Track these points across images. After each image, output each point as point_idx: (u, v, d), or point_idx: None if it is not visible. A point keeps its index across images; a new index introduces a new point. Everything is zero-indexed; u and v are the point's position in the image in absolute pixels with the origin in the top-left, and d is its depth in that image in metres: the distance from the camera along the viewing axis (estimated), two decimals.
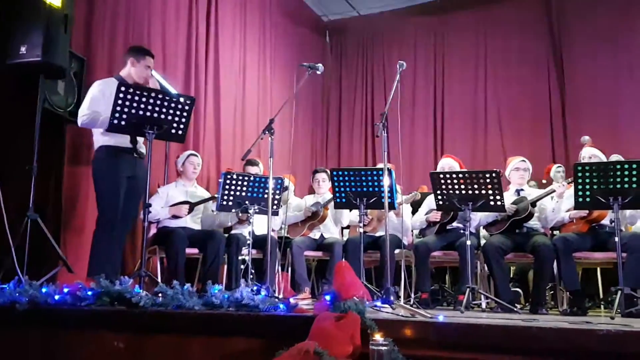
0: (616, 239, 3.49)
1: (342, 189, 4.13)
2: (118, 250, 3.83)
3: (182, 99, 3.55)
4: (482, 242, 4.50)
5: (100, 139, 3.80)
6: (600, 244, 4.05)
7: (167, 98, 3.49)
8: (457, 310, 3.68)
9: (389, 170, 3.79)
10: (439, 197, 3.99)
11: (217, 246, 4.41)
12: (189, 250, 4.43)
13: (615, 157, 4.92)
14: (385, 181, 3.62)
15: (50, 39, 3.66)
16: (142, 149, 3.88)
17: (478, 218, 4.48)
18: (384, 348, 2.00)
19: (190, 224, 4.62)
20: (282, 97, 6.83)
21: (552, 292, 4.84)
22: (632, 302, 3.56)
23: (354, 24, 8.42)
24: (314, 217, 5.09)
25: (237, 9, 6.53)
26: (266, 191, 4.07)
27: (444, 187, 3.94)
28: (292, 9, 7.72)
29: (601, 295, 4.60)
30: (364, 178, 4.06)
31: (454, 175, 3.92)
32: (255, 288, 2.81)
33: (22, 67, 3.70)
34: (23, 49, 3.66)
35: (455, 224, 4.55)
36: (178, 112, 3.53)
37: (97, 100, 3.74)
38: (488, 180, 3.82)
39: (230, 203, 4.19)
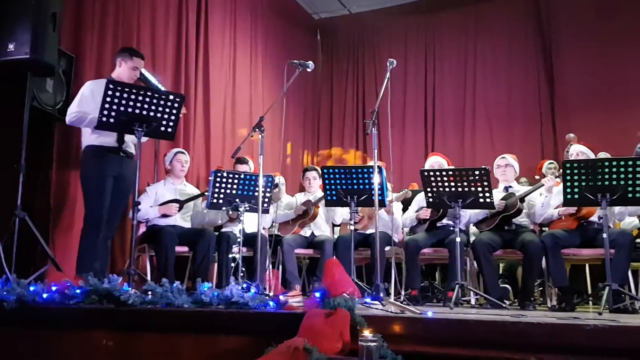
0: (604, 235, 3.52)
1: (333, 187, 4.13)
2: (105, 249, 3.82)
3: (171, 97, 3.53)
4: (472, 239, 4.52)
5: (87, 138, 3.81)
6: (589, 240, 4.08)
7: (156, 95, 3.48)
8: (446, 307, 3.69)
9: (380, 168, 3.79)
10: (429, 194, 4.01)
11: (208, 244, 4.40)
12: (179, 249, 4.42)
13: (603, 155, 4.96)
14: (376, 179, 3.63)
15: (38, 37, 3.64)
16: (130, 148, 3.88)
17: (468, 215, 4.50)
18: (373, 344, 2.00)
19: (180, 222, 4.60)
20: (273, 96, 6.83)
21: (540, 288, 4.88)
22: (619, 298, 3.60)
23: (345, 22, 8.42)
24: (304, 215, 5.09)
25: (227, 7, 6.51)
26: (256, 189, 4.07)
27: (434, 184, 3.96)
28: (282, 7, 7.71)
29: (589, 291, 4.64)
30: (354, 176, 4.06)
31: (444, 173, 3.95)
32: (245, 286, 2.81)
33: (10, 65, 3.68)
34: (11, 46, 3.63)
35: (445, 221, 4.57)
36: (167, 110, 3.52)
37: (87, 100, 3.75)
38: (477, 178, 3.85)
39: (220, 201, 4.18)
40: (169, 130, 3.58)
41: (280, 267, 4.83)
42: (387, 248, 4.61)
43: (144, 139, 3.64)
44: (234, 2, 6.62)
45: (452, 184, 3.90)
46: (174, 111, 3.54)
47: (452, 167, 4.57)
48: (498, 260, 4.87)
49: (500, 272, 5.30)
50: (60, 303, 2.76)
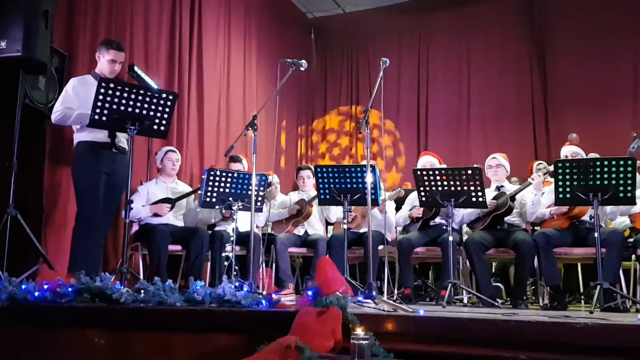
0: (595, 234, 3.54)
1: (326, 186, 4.14)
2: (98, 247, 3.80)
3: (164, 95, 3.52)
4: (465, 237, 4.54)
5: (78, 135, 3.78)
6: (581, 239, 4.10)
7: (149, 93, 3.46)
8: (439, 305, 3.71)
9: (372, 167, 3.80)
10: (422, 193, 4.02)
11: (201, 243, 4.39)
12: (172, 247, 4.42)
13: (592, 155, 4.98)
14: (369, 178, 3.64)
15: (30, 34, 3.62)
16: (123, 143, 3.84)
17: (461, 214, 4.52)
18: (364, 342, 2.01)
19: (172, 220, 4.59)
20: (267, 94, 6.83)
21: (532, 287, 4.90)
22: (611, 297, 3.62)
23: (339, 21, 8.43)
24: (298, 214, 5.09)
25: (221, 5, 6.50)
26: (250, 188, 4.06)
27: (426, 183, 3.97)
28: (276, 6, 7.71)
29: (582, 290, 4.67)
30: (347, 175, 4.07)
31: (437, 172, 3.96)
32: (237, 284, 2.81)
33: (2, 62, 3.66)
34: (3, 44, 3.61)
35: (438, 220, 4.59)
36: (160, 108, 3.50)
37: (70, 97, 3.72)
38: (470, 177, 3.86)
39: (213, 200, 4.18)
40: (162, 128, 3.57)
41: (274, 265, 4.83)
42: (380, 247, 4.61)
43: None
44: (228, 0, 6.61)
45: (445, 183, 3.92)
46: (167, 109, 3.53)
47: (445, 167, 4.59)
48: (490, 259, 4.89)
49: (493, 271, 5.32)
50: (52, 301, 2.75)
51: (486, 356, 2.08)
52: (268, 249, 4.83)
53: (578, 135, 5.80)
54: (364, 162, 3.91)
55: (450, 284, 3.77)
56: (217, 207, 4.26)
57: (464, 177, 3.87)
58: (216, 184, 4.16)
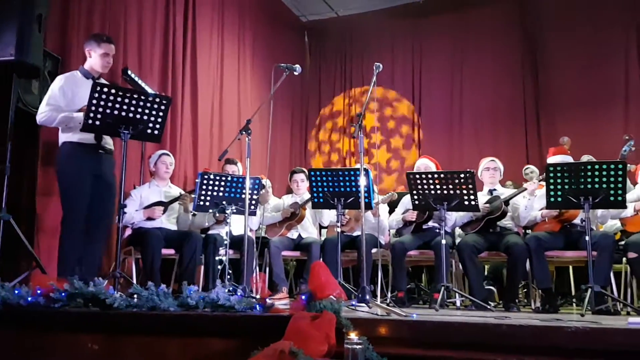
0: (587, 238, 3.57)
1: (320, 189, 4.15)
2: (93, 252, 3.73)
3: (158, 99, 3.52)
4: (458, 241, 4.56)
5: (63, 135, 3.68)
6: (572, 242, 4.13)
7: (142, 98, 3.45)
8: (432, 309, 3.73)
9: (366, 170, 3.82)
10: (415, 197, 4.05)
11: (194, 247, 4.39)
12: (165, 251, 4.41)
13: (586, 158, 5.03)
14: (362, 181, 3.65)
15: (24, 38, 3.62)
16: (108, 144, 3.77)
17: (454, 218, 4.54)
18: (358, 346, 2.02)
19: (166, 224, 4.59)
20: (261, 98, 6.84)
21: (525, 290, 4.93)
22: (602, 300, 3.65)
23: (333, 25, 8.46)
24: (292, 218, 5.10)
25: (215, 9, 6.51)
26: (243, 191, 4.07)
27: (419, 187, 4.00)
28: (270, 9, 7.72)
29: (573, 293, 4.70)
30: (341, 178, 4.09)
31: (430, 176, 3.98)
32: (231, 288, 2.81)
33: None
34: None
35: (431, 224, 4.61)
36: (154, 112, 3.49)
37: (56, 97, 3.63)
38: (462, 181, 3.89)
39: (207, 203, 4.18)
40: (156, 132, 3.55)
41: (267, 269, 4.83)
42: (374, 250, 4.63)
43: None
44: (222, 3, 6.62)
45: (438, 186, 3.94)
46: (161, 113, 3.52)
47: (438, 170, 4.61)
48: (483, 262, 4.92)
49: (485, 274, 5.35)
50: (45, 306, 2.74)
51: None
52: (262, 252, 4.83)
53: (570, 139, 5.85)
54: (357, 166, 3.93)
55: (443, 287, 3.79)
56: (210, 210, 4.26)
57: (457, 180, 3.89)
58: (210, 187, 4.16)
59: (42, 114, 3.62)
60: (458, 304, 4.29)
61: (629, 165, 4.29)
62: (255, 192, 4.32)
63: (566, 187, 3.61)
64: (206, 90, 6.23)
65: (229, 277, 4.03)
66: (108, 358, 2.53)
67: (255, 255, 4.60)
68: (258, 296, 3.30)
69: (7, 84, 3.72)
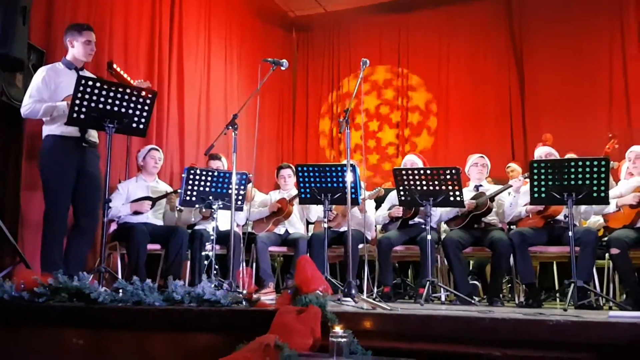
0: (570, 233, 3.62)
1: (307, 185, 4.16)
2: (80, 247, 3.70)
3: (143, 93, 3.49)
4: (443, 236, 4.59)
5: (46, 128, 3.65)
6: (555, 238, 4.18)
7: (127, 91, 3.43)
8: (417, 303, 3.75)
9: (353, 166, 3.83)
10: (401, 192, 4.07)
11: (180, 242, 4.37)
12: (151, 246, 4.39)
13: (570, 155, 5.08)
14: (349, 177, 3.67)
15: (8, 31, 3.57)
16: (93, 137, 3.74)
17: (439, 213, 4.57)
18: (343, 340, 2.03)
19: (152, 219, 4.57)
20: (249, 92, 6.81)
21: (509, 285, 4.98)
22: (584, 295, 3.71)
23: (320, 20, 8.45)
24: (279, 213, 5.10)
25: (202, 3, 6.48)
26: (230, 186, 4.06)
27: (406, 183, 4.02)
28: (258, 4, 7.70)
29: (557, 288, 4.76)
30: (328, 174, 4.10)
31: (416, 172, 4.01)
32: (217, 283, 2.81)
33: None
34: None
35: (416, 219, 4.63)
36: (139, 106, 3.48)
37: (40, 88, 3.61)
38: (448, 177, 3.92)
39: (193, 199, 4.17)
40: (141, 127, 3.53)
41: (254, 265, 4.84)
42: (360, 246, 4.65)
43: None
44: None
45: (424, 182, 3.97)
46: (146, 107, 3.50)
47: (424, 166, 4.64)
48: (468, 258, 4.96)
49: (470, 269, 5.39)
50: (29, 301, 2.72)
51: (461, 353, 2.12)
52: (248, 248, 4.83)
53: (553, 135, 5.90)
54: (344, 162, 3.94)
55: (428, 282, 3.82)
56: (196, 206, 4.24)
57: (443, 177, 3.92)
58: (196, 183, 4.15)
59: (26, 106, 3.60)
60: (443, 298, 4.33)
61: (612, 162, 4.35)
62: (242, 187, 4.31)
63: (550, 183, 3.65)
64: (193, 85, 6.20)
65: (215, 272, 4.02)
66: (93, 353, 2.52)
67: (242, 250, 4.60)
68: (244, 291, 3.30)
69: None
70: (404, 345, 2.21)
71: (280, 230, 5.10)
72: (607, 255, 4.13)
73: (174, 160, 5.84)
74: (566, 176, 3.61)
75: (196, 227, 4.83)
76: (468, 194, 4.42)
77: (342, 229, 4.92)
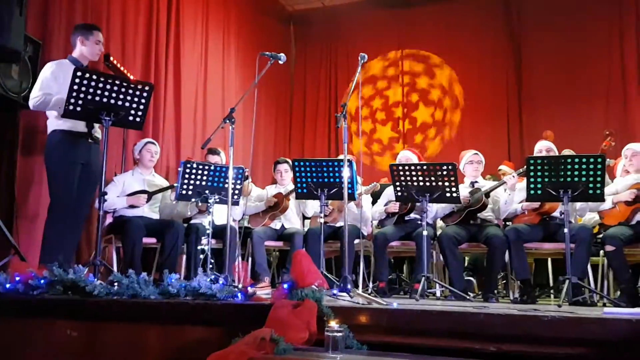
0: (565, 230, 3.62)
1: (304, 180, 4.15)
2: (73, 239, 3.75)
3: (140, 86, 3.49)
4: (439, 232, 4.60)
5: (54, 122, 3.70)
6: (551, 235, 4.19)
7: (124, 84, 3.43)
8: (412, 298, 3.76)
9: (350, 162, 3.83)
10: (398, 188, 4.07)
11: (176, 236, 4.37)
12: (146, 240, 4.38)
13: (566, 152, 5.09)
14: (345, 172, 3.66)
15: (4, 22, 3.55)
16: (97, 133, 3.80)
17: (435, 209, 4.58)
18: (339, 334, 2.04)
19: (147, 213, 4.56)
20: (246, 86, 6.81)
21: (504, 281, 5.00)
22: (579, 291, 3.72)
23: (319, 14, 8.43)
24: (275, 208, 5.10)
25: None
26: (226, 181, 4.05)
27: (402, 179, 4.02)
28: None
29: (551, 284, 4.78)
30: (325, 169, 4.09)
31: (412, 168, 4.01)
32: (213, 277, 2.81)
33: None
34: None
35: (412, 215, 4.64)
36: (136, 99, 3.47)
37: (49, 82, 3.65)
38: (445, 173, 3.92)
39: (189, 192, 4.16)
40: (137, 119, 3.54)
41: (250, 259, 4.84)
42: (357, 241, 4.66)
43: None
44: None
45: (420, 178, 3.97)
46: (143, 100, 3.50)
47: (420, 162, 4.64)
48: (463, 254, 4.97)
49: (465, 265, 5.41)
50: (24, 293, 2.72)
51: (456, 348, 2.13)
52: (244, 242, 4.83)
53: (553, 132, 5.91)
54: (341, 157, 3.94)
55: (423, 278, 3.83)
56: (193, 200, 4.24)
57: (439, 173, 3.92)
58: (192, 176, 4.14)
59: (36, 98, 3.63)
60: (438, 294, 4.34)
61: (608, 159, 4.35)
62: (238, 181, 4.30)
63: (546, 180, 3.65)
64: (190, 79, 6.18)
65: (211, 266, 4.02)
66: (87, 345, 2.52)
67: (238, 244, 4.60)
68: (240, 285, 3.31)
69: None
70: (399, 339, 2.22)
71: (276, 224, 5.10)
72: (601, 252, 4.14)
73: (171, 154, 5.82)
74: (562, 173, 3.61)
75: (192, 221, 4.82)
76: (464, 190, 4.43)
77: (338, 224, 4.92)
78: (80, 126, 3.63)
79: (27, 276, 2.77)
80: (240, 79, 7.11)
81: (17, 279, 2.78)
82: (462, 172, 4.67)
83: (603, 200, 3.75)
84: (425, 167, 3.99)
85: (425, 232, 3.98)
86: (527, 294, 4.00)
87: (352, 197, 4.08)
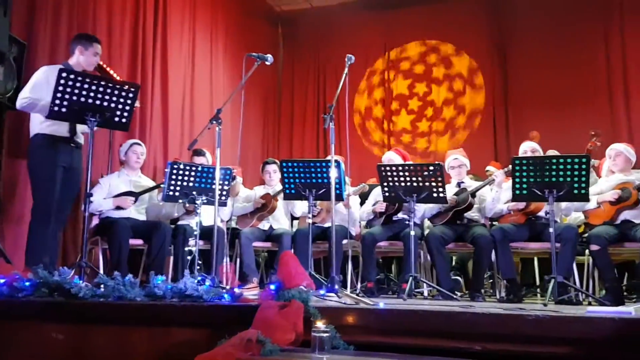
0: (551, 230, 3.66)
1: (292, 180, 4.15)
2: (55, 241, 3.74)
3: (126, 86, 3.47)
4: (426, 232, 4.62)
5: (37, 126, 3.70)
6: (536, 234, 4.23)
7: (110, 85, 3.41)
8: (400, 298, 3.78)
9: (338, 162, 3.84)
10: (385, 188, 4.09)
11: (163, 237, 4.35)
12: (133, 242, 4.36)
13: (551, 152, 5.13)
14: (333, 173, 3.67)
15: None
16: (80, 139, 3.83)
17: (422, 209, 4.60)
18: (325, 335, 2.05)
19: (134, 214, 4.53)
20: (234, 87, 6.77)
21: (490, 280, 5.03)
22: (564, 290, 3.76)
23: (306, 15, 8.43)
24: (263, 209, 5.09)
25: None
26: (214, 181, 4.04)
27: (390, 179, 4.04)
28: None
29: (538, 283, 4.82)
30: (313, 169, 4.10)
31: (400, 168, 4.02)
32: (200, 279, 2.80)
33: None
34: None
35: (400, 215, 4.66)
36: (122, 100, 3.45)
37: (41, 85, 3.64)
38: (431, 173, 3.94)
39: (177, 193, 4.14)
40: (123, 120, 3.52)
41: (238, 260, 4.82)
42: (345, 241, 4.67)
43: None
44: None
45: (407, 179, 3.99)
46: (129, 101, 3.48)
47: (408, 163, 4.66)
48: (450, 253, 5.00)
49: (452, 264, 5.44)
50: (9, 296, 2.70)
51: (443, 347, 2.14)
52: (232, 243, 4.81)
53: (539, 133, 5.96)
54: (329, 157, 3.95)
55: (411, 278, 3.85)
56: (180, 201, 4.22)
57: (426, 173, 3.95)
58: (179, 177, 4.12)
59: (25, 99, 3.63)
60: (425, 293, 4.36)
61: (593, 160, 4.40)
62: (226, 182, 4.29)
63: (532, 180, 3.68)
64: (177, 79, 6.15)
65: (198, 267, 4.00)
66: (73, 348, 2.51)
67: (226, 245, 4.58)
68: (227, 286, 3.30)
69: None
70: (387, 339, 2.23)
71: (264, 225, 5.09)
72: (587, 251, 4.18)
73: (157, 155, 5.79)
74: (547, 173, 3.64)
75: (179, 223, 4.80)
76: (450, 190, 4.46)
77: (326, 225, 4.92)
78: (62, 130, 3.65)
79: (13, 278, 2.75)
80: (228, 80, 7.09)
81: (2, 281, 2.75)
82: (447, 173, 4.70)
83: (588, 200, 3.79)
84: (412, 168, 4.00)
85: (412, 232, 4.00)
86: (514, 293, 4.03)
87: (339, 198, 4.09)
